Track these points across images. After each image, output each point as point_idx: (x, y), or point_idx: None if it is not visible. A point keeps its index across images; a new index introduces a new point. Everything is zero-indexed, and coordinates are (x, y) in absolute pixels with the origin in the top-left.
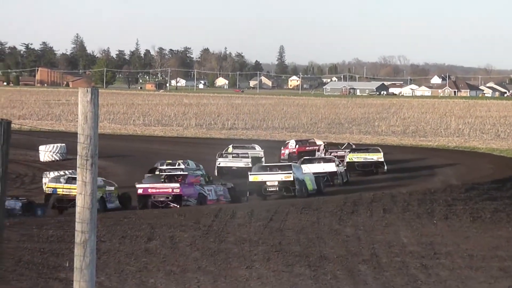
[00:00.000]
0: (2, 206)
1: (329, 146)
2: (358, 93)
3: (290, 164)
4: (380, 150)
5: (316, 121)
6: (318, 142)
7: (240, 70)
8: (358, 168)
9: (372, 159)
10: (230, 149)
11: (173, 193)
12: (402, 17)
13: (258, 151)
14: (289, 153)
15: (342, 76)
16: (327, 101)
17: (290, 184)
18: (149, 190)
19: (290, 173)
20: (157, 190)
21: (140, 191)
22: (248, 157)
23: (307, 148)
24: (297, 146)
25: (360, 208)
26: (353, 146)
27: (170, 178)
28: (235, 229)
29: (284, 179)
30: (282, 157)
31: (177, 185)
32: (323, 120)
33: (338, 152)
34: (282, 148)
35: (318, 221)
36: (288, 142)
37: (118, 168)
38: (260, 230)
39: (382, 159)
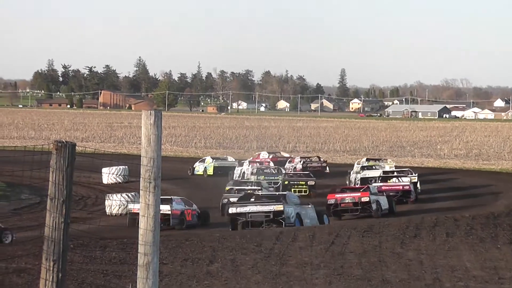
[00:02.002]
0: (66, 228)
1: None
2: (420, 116)
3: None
4: (412, 172)
5: (378, 144)
6: (285, 155)
7: (301, 93)
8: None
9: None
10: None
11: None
12: (464, 40)
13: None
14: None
15: (404, 99)
16: (389, 124)
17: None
18: (246, 209)
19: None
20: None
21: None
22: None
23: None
24: (302, 162)
25: (422, 231)
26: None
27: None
28: (297, 252)
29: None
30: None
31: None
32: (385, 143)
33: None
34: (251, 158)
35: (380, 244)
36: (259, 154)
37: (179, 190)
38: (322, 253)
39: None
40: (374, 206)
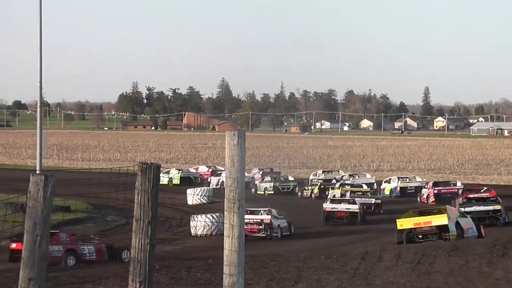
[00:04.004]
0: (152, 249)
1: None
2: (505, 133)
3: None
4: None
5: (463, 162)
6: (275, 170)
7: (385, 112)
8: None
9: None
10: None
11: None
12: None
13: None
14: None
15: (489, 117)
16: (474, 142)
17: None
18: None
19: (445, 216)
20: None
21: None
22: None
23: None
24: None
25: (510, 250)
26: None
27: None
28: (382, 272)
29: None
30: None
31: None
32: (470, 161)
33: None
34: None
35: (466, 264)
36: (251, 170)
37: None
38: (408, 273)
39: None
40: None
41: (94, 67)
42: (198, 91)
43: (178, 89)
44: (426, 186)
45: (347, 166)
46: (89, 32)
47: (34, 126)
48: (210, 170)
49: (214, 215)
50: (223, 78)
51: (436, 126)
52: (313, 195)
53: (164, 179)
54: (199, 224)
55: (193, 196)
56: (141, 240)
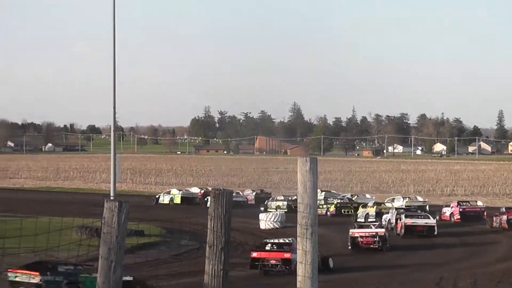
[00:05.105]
0: (225, 275)
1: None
2: None
3: None
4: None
5: None
6: (266, 191)
7: (458, 136)
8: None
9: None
10: None
11: None
12: None
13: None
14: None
15: None
16: None
17: None
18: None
19: None
20: None
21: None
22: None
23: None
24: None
25: None
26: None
27: None
28: None
29: None
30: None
31: None
32: None
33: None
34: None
35: None
36: (244, 190)
37: (335, 235)
38: None
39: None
40: None
41: (166, 92)
42: (270, 115)
43: (250, 113)
44: (447, 205)
45: (421, 191)
46: (162, 58)
47: (108, 150)
48: (202, 191)
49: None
50: (294, 102)
51: (511, 150)
52: (328, 213)
53: (165, 199)
54: None
55: (266, 221)
56: (214, 266)
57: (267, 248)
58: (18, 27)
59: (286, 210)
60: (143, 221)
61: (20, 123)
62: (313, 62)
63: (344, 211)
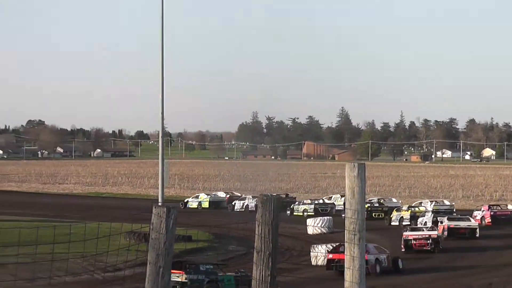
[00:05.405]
0: (272, 280)
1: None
2: None
3: None
4: None
5: None
6: (237, 193)
7: (508, 140)
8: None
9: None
10: None
11: None
12: None
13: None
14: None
15: None
16: None
17: None
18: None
19: None
20: None
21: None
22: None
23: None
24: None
25: None
26: None
27: None
28: None
29: None
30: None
31: None
32: None
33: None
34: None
35: None
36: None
37: (383, 240)
38: None
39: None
40: None
41: (214, 98)
42: (318, 120)
43: (298, 118)
44: (478, 208)
45: (469, 196)
46: (209, 64)
47: (156, 156)
48: (228, 196)
49: (334, 245)
50: (342, 107)
51: None
52: None
53: (194, 203)
54: (320, 254)
55: (314, 226)
56: (262, 272)
57: (341, 250)
58: (68, 36)
59: (313, 214)
60: (191, 226)
61: (69, 129)
62: (359, 67)
63: (375, 215)
